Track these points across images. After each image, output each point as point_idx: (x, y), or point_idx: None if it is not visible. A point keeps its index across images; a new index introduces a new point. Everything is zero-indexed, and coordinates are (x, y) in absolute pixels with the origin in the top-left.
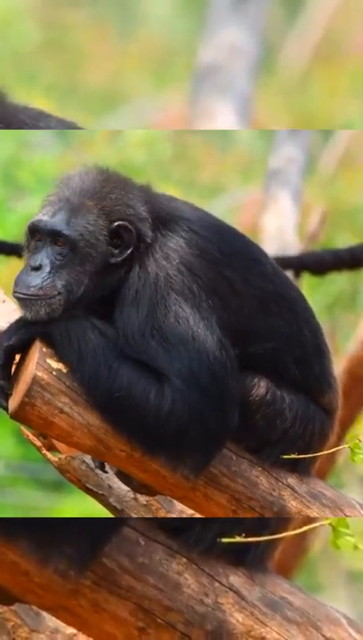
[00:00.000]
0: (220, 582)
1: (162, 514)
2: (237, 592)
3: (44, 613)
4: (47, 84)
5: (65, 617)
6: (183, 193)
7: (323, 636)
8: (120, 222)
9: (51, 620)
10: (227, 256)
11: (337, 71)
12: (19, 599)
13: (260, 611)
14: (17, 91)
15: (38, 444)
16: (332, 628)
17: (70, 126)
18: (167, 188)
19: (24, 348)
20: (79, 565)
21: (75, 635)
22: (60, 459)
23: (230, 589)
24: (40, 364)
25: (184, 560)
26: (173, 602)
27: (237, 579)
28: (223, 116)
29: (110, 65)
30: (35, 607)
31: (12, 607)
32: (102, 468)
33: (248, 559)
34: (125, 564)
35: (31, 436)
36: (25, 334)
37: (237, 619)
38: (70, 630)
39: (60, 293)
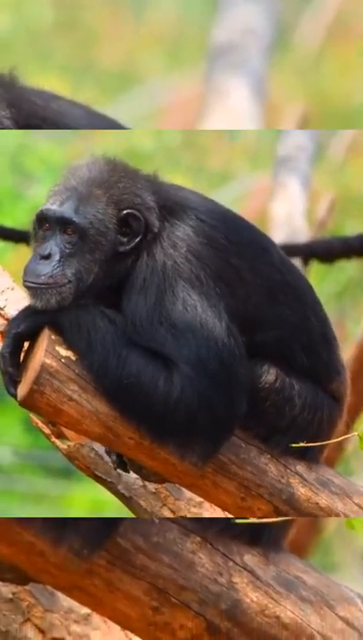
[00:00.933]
0: (234, 561)
1: (171, 501)
2: (251, 571)
3: (59, 593)
4: (61, 64)
5: (79, 596)
6: (192, 180)
7: (337, 615)
8: (129, 210)
9: (65, 600)
10: (235, 245)
11: (351, 50)
12: (33, 579)
13: (274, 590)
14: (31, 70)
15: (47, 431)
16: (346, 607)
17: (82, 108)
18: (176, 176)
19: (33, 336)
20: (93, 545)
21: (89, 614)
22: (68, 446)
23: (245, 569)
24: (49, 352)
25: (198, 539)
26: (188, 581)
27: (251, 558)
28: (237, 96)
29: (124, 45)
30: (49, 587)
31: (27, 587)
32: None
33: (263, 539)
34: (139, 543)
35: (40, 424)
36: (34, 322)
37: (252, 598)
38: (85, 610)
39: (70, 282)
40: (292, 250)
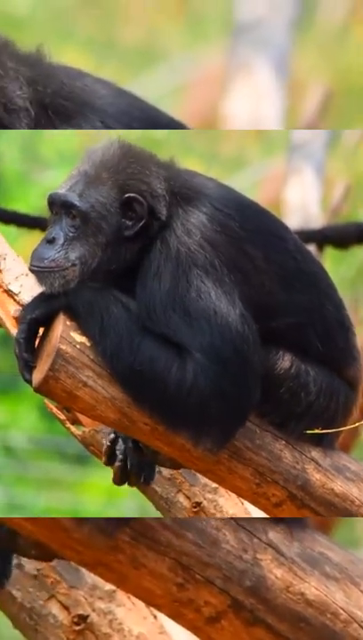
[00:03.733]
0: (259, 538)
1: (186, 487)
2: (275, 548)
3: (83, 570)
4: (83, 41)
5: (104, 573)
6: (206, 166)
7: (362, 591)
8: (131, 194)
9: (89, 577)
10: (249, 232)
11: None
12: (57, 555)
13: (299, 566)
14: (54, 47)
15: (62, 417)
16: None
17: (108, 85)
18: (189, 161)
19: (47, 321)
20: (117, 521)
21: (113, 591)
22: (84, 432)
23: (269, 545)
24: (64, 337)
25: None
26: (212, 558)
27: (275, 534)
28: (261, 72)
29: (147, 20)
30: (73, 563)
31: (51, 563)
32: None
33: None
34: (163, 519)
35: (55, 410)
36: (48, 307)
37: (276, 574)
38: (109, 587)
39: (73, 265)
40: (306, 236)
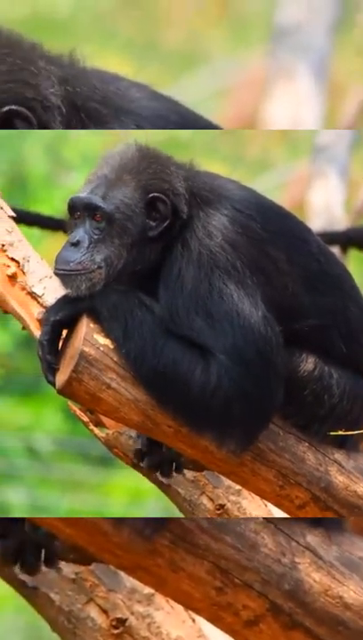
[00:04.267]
0: (297, 542)
1: (209, 489)
2: (314, 551)
3: (122, 573)
4: (124, 44)
5: (142, 576)
6: (231, 168)
7: None
8: (155, 194)
9: (128, 580)
10: (271, 234)
11: None
12: (96, 559)
13: (337, 570)
14: (94, 50)
15: (85, 419)
16: None
17: (144, 89)
18: (214, 163)
19: (71, 324)
20: (156, 525)
21: (152, 594)
22: (107, 434)
23: (307, 549)
24: (87, 340)
25: (261, 519)
26: (251, 561)
27: (314, 538)
28: (301, 76)
29: (188, 23)
30: (112, 567)
31: (90, 567)
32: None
33: (326, 519)
34: (202, 523)
35: (78, 412)
36: (72, 309)
37: (315, 578)
38: (148, 590)
39: (99, 267)
40: (330, 238)
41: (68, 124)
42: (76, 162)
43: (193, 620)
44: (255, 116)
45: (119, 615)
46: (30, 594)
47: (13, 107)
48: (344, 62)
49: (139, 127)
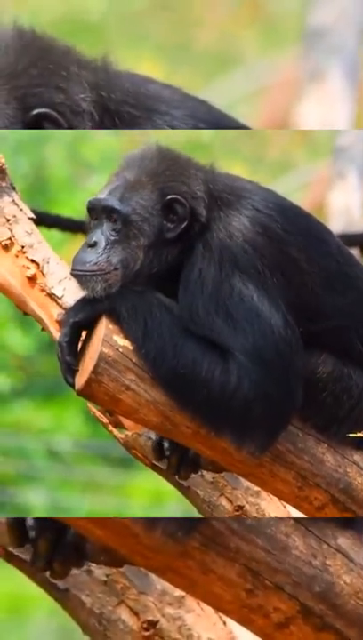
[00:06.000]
0: (328, 544)
1: (228, 490)
2: (345, 554)
3: (153, 575)
4: (156, 46)
5: (173, 579)
6: (251, 169)
7: None
8: (173, 196)
9: (159, 582)
10: (291, 235)
11: None
12: (127, 561)
13: None
14: (127, 52)
15: (105, 420)
16: None
17: (175, 91)
18: (235, 164)
19: (90, 325)
20: (187, 527)
21: (183, 597)
22: (126, 435)
23: (338, 551)
24: (106, 341)
25: (292, 522)
26: (281, 564)
27: (345, 540)
28: (332, 78)
29: (221, 25)
30: (143, 569)
31: (121, 569)
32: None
33: (357, 521)
34: (232, 525)
35: (98, 413)
36: (91, 311)
37: (345, 580)
38: (178, 592)
39: (115, 269)
40: (349, 240)
41: (101, 129)
42: (97, 164)
43: (224, 623)
44: (289, 118)
45: (150, 617)
46: (61, 596)
47: (43, 110)
48: None
49: (172, 129)
